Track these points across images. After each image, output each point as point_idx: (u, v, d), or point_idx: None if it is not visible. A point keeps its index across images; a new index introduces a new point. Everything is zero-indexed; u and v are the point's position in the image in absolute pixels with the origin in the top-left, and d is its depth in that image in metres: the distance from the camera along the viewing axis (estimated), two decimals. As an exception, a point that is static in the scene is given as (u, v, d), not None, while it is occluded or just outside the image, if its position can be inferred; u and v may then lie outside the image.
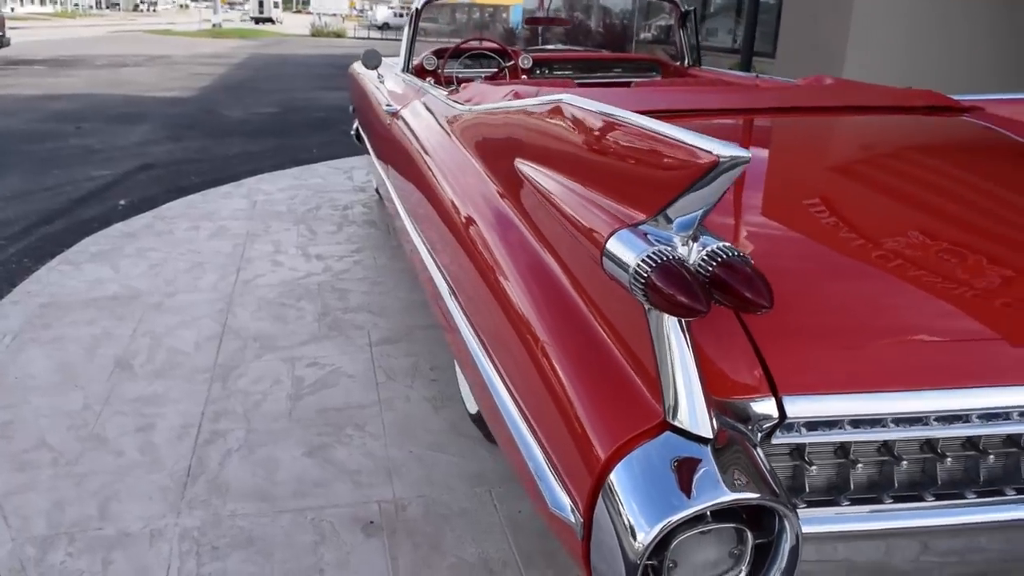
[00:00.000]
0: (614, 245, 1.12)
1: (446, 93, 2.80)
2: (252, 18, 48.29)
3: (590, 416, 1.18)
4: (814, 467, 1.31)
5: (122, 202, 5.19)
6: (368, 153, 4.60)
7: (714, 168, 1.00)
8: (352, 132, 5.49)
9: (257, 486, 2.22)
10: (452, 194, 2.11)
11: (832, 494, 1.35)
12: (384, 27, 37.87)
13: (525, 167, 1.67)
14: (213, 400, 2.67)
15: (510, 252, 1.61)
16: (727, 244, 1.09)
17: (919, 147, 2.18)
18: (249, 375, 2.85)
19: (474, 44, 4.24)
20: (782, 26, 8.46)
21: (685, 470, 1.08)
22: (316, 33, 34.99)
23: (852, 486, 1.34)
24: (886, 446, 1.34)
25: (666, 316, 1.10)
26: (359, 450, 2.40)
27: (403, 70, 3.92)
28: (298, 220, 4.83)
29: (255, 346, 3.09)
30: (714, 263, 1.06)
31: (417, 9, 3.83)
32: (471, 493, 2.21)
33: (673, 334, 1.11)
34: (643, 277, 1.04)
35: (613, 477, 1.11)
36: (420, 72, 4.01)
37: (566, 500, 1.19)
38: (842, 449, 1.33)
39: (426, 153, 2.53)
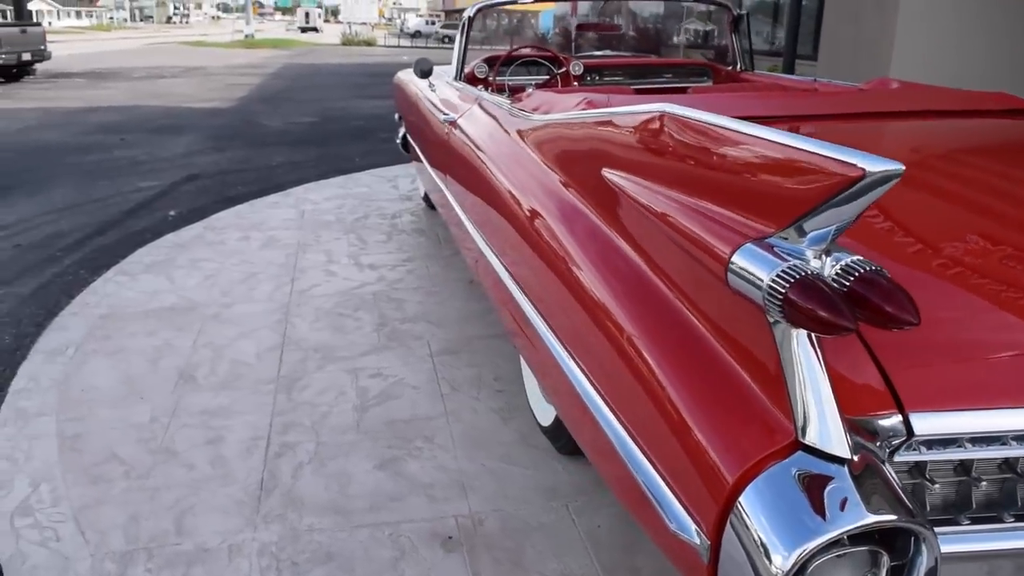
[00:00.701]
0: (741, 259, 1.07)
1: (508, 101, 2.77)
2: (300, 28, 55.69)
3: (714, 435, 1.13)
4: (937, 485, 1.26)
5: (172, 213, 5.23)
6: (417, 161, 4.59)
7: (858, 182, 0.95)
8: (398, 140, 5.49)
9: (331, 500, 2.20)
10: (530, 204, 2.08)
11: (950, 513, 1.30)
12: (416, 35, 38.11)
13: (616, 177, 1.63)
14: (279, 412, 2.66)
15: (605, 264, 1.57)
16: (861, 258, 1.05)
17: (1015, 152, 2.11)
18: (313, 386, 2.84)
19: (526, 51, 4.21)
20: (823, 27, 8.35)
21: (821, 491, 1.03)
22: (347, 42, 35.27)
23: (973, 504, 1.29)
24: (1007, 463, 1.28)
25: (795, 331, 1.06)
26: (430, 463, 2.37)
27: (455, 78, 3.90)
28: (347, 229, 4.83)
29: (316, 357, 3.07)
30: (851, 277, 1.01)
31: (470, 17, 3.81)
32: (547, 507, 2.17)
33: (803, 349, 1.06)
34: (779, 293, 0.99)
35: (744, 500, 1.06)
36: (472, 80, 3.99)
37: (689, 522, 1.14)
38: (962, 466, 1.27)
39: (494, 163, 2.50)
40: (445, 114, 3.38)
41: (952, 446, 1.20)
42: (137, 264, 4.18)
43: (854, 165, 0.95)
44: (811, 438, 1.06)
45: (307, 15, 57.75)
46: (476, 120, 3.01)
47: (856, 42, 7.44)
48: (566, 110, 2.23)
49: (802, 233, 1.05)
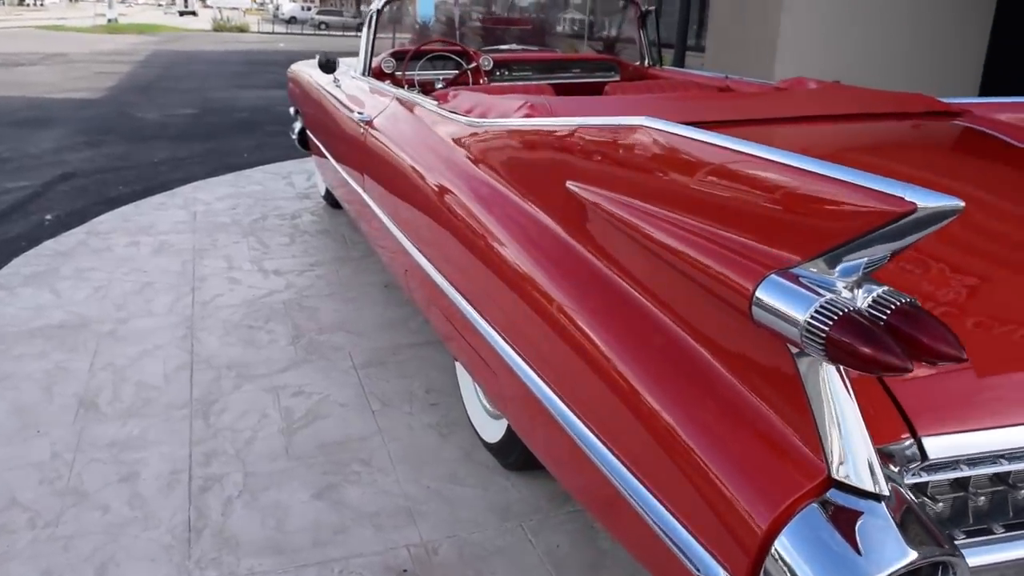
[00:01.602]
0: (767, 293, 1.01)
1: (435, 102, 2.65)
2: (179, 12, 56.46)
3: (738, 475, 1.08)
4: (940, 503, 1.25)
5: (48, 217, 4.81)
6: (320, 157, 4.38)
7: (906, 217, 0.90)
8: (294, 136, 5.24)
9: (269, 537, 2.03)
10: (474, 213, 1.97)
11: (947, 527, 1.29)
12: (291, 21, 36.94)
13: (589, 193, 1.55)
14: (198, 440, 2.45)
15: (585, 287, 1.49)
16: (891, 288, 1.00)
17: (950, 154, 2.16)
18: (232, 409, 2.64)
19: (436, 46, 4.07)
20: (710, 21, 8.53)
21: (861, 530, 0.99)
22: (218, 28, 33.75)
23: (971, 519, 1.29)
24: (998, 476, 1.29)
25: (824, 364, 1.01)
26: (371, 488, 2.24)
27: (363, 73, 3.73)
28: (246, 232, 4.57)
29: (231, 375, 2.87)
30: (887, 311, 0.97)
31: (378, 9, 3.65)
32: (502, 528, 2.09)
33: (833, 381, 1.02)
34: (820, 331, 0.93)
35: (780, 545, 1.01)
36: (379, 75, 3.83)
37: (719, 571, 1.08)
38: (958, 483, 1.27)
39: (426, 167, 2.37)
40: (359, 113, 3.22)
41: (958, 466, 1.18)
42: (15, 276, 3.81)
43: (902, 199, 0.90)
44: (844, 474, 1.02)
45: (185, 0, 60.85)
46: (397, 120, 2.87)
47: (743, 36, 7.64)
48: (506, 115, 2.14)
49: (832, 264, 1.00)
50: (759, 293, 1.02)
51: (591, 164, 1.56)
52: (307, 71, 4.86)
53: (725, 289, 1.08)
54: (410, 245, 2.46)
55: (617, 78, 4.41)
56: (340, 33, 35.31)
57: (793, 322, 0.97)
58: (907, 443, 1.13)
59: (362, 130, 3.13)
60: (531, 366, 1.61)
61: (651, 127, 1.37)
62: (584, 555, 1.99)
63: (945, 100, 2.57)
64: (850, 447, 1.01)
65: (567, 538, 2.05)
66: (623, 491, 1.26)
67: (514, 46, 4.95)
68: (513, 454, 2.24)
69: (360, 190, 3.21)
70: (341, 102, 3.70)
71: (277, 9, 42.12)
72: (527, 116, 2.07)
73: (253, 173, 6.14)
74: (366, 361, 3.00)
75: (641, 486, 1.22)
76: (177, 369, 2.91)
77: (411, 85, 3.81)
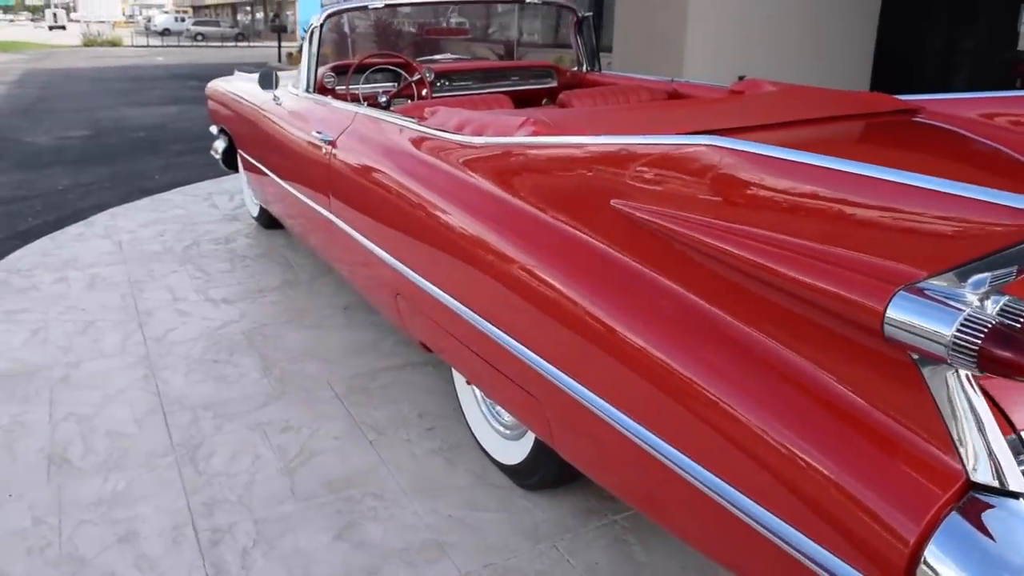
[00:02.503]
0: (900, 310, 1.03)
1: (414, 120, 2.58)
2: (49, 27, 57.44)
3: (875, 491, 1.08)
4: None
5: (-45, 257, 4.45)
6: (256, 178, 4.22)
7: None
8: (217, 155, 5.02)
9: (300, 586, 1.94)
10: (501, 238, 1.92)
11: None
12: (165, 33, 35.50)
13: (643, 212, 1.54)
14: (193, 489, 2.32)
15: (664, 311, 1.47)
16: (1014, 297, 1.04)
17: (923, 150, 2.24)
18: (220, 452, 2.50)
19: (377, 59, 3.98)
20: (616, 19, 8.67)
21: (1009, 529, 1.02)
22: (89, 43, 32.04)
23: None
24: None
25: (952, 370, 1.04)
26: (392, 523, 2.17)
27: (306, 90, 3.61)
28: (181, 260, 4.35)
29: (208, 416, 2.72)
30: (1020, 319, 1.00)
31: (320, 24, 3.53)
32: (536, 551, 2.05)
33: (965, 386, 1.04)
34: (971, 345, 0.95)
35: (931, 555, 1.02)
36: (320, 90, 3.71)
37: (867, 587, 1.08)
38: None
39: (425, 191, 2.31)
40: (318, 132, 3.11)
41: None
42: (-65, 325, 3.51)
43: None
44: (983, 476, 1.05)
45: (55, 14, 61.55)
46: (367, 139, 2.79)
47: (648, 35, 7.80)
48: (507, 132, 2.11)
49: (963, 278, 1.02)
50: (891, 311, 1.03)
51: (645, 184, 1.55)
52: (232, 87, 4.68)
53: (848, 308, 1.09)
54: (408, 271, 2.38)
55: (555, 84, 4.43)
56: (219, 44, 34.22)
57: (938, 338, 0.98)
58: (1013, 438, 1.17)
59: (325, 150, 3.03)
60: (619, 406, 1.56)
61: (723, 146, 1.37)
62: (624, 570, 1.98)
63: (901, 98, 2.69)
64: (986, 448, 1.04)
65: (603, 554, 2.04)
66: (749, 521, 1.25)
67: (448, 55, 4.91)
68: (537, 475, 2.21)
69: (324, 211, 3.10)
70: (288, 121, 3.57)
71: (148, 21, 40.35)
72: (534, 134, 2.05)
73: (171, 196, 5.86)
74: (347, 389, 2.91)
75: (770, 514, 1.22)
76: (148, 413, 2.74)
77: (355, 99, 3.72)
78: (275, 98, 3.80)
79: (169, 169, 6.92)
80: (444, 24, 4.91)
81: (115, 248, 4.57)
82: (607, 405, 1.61)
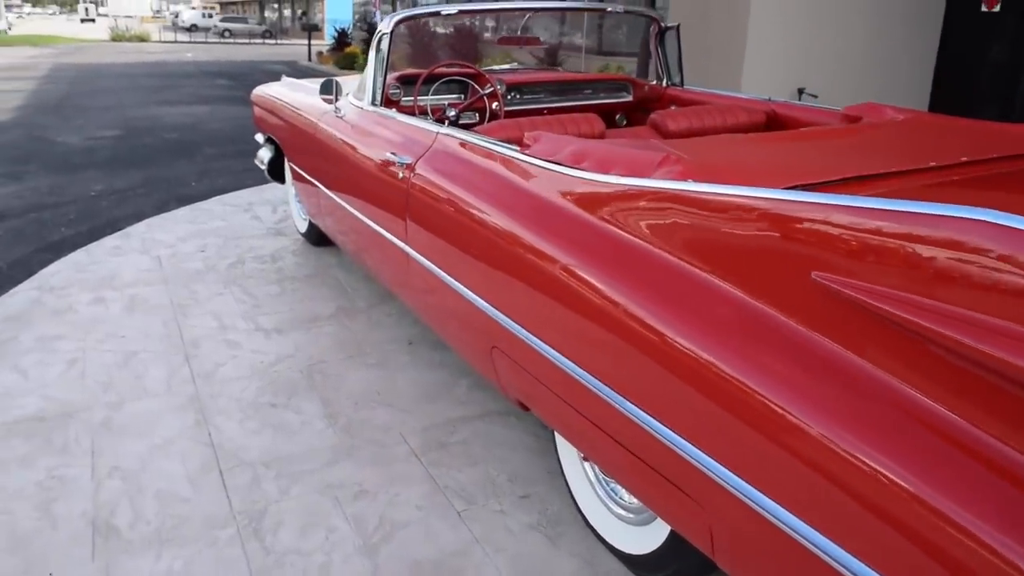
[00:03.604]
0: None
1: (517, 148, 2.25)
2: (81, 20, 61.84)
3: None
4: None
5: (-14, 271, 4.17)
6: (310, 192, 3.91)
7: None
8: (263, 165, 4.73)
9: None
10: (661, 312, 1.58)
11: None
12: (192, 28, 35.47)
13: (865, 295, 1.21)
14: (261, 572, 2.00)
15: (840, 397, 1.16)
16: None
17: None
18: (288, 523, 2.19)
19: (448, 69, 3.66)
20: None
21: None
22: (117, 38, 32.00)
23: None
24: None
25: None
26: (497, 627, 1.84)
27: (372, 103, 3.29)
28: (226, 280, 4.05)
29: (270, 475, 2.41)
30: None
31: (389, 31, 3.21)
32: (675, 674, 1.72)
33: None
34: None
35: None
36: (388, 104, 3.40)
37: None
38: None
39: (529, 234, 1.98)
40: (392, 153, 2.79)
41: None
42: (-36, 352, 3.22)
43: None
44: None
45: (87, 8, 67.63)
46: (456, 167, 2.47)
47: (705, 45, 7.47)
48: (643, 173, 1.78)
49: None
50: None
51: (878, 262, 1.21)
52: (282, 94, 4.38)
53: None
54: (513, 324, 2.05)
55: (630, 98, 4.11)
56: (246, 40, 34.13)
57: None
58: None
59: (402, 174, 2.71)
60: (826, 532, 1.23)
61: (1002, 224, 1.04)
62: None
63: None
64: None
65: None
66: None
67: (515, 65, 4.59)
68: (667, 571, 1.88)
69: (398, 241, 2.78)
70: (352, 136, 3.26)
71: (176, 17, 40.29)
72: (680, 176, 1.72)
73: (210, 206, 5.57)
74: (423, 444, 2.59)
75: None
76: (202, 470, 2.43)
77: (422, 112, 3.41)
78: (336, 109, 3.48)
79: (206, 175, 6.64)
80: (513, 34, 4.55)
81: (154, 264, 4.27)
82: (808, 528, 1.28)
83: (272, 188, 5.94)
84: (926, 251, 1.17)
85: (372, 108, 3.28)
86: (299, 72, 18.20)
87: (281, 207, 5.47)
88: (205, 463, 2.46)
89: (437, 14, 3.45)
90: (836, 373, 1.27)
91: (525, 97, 3.83)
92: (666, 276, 1.59)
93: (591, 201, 1.86)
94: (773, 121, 3.34)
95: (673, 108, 3.93)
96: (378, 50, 3.26)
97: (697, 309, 1.50)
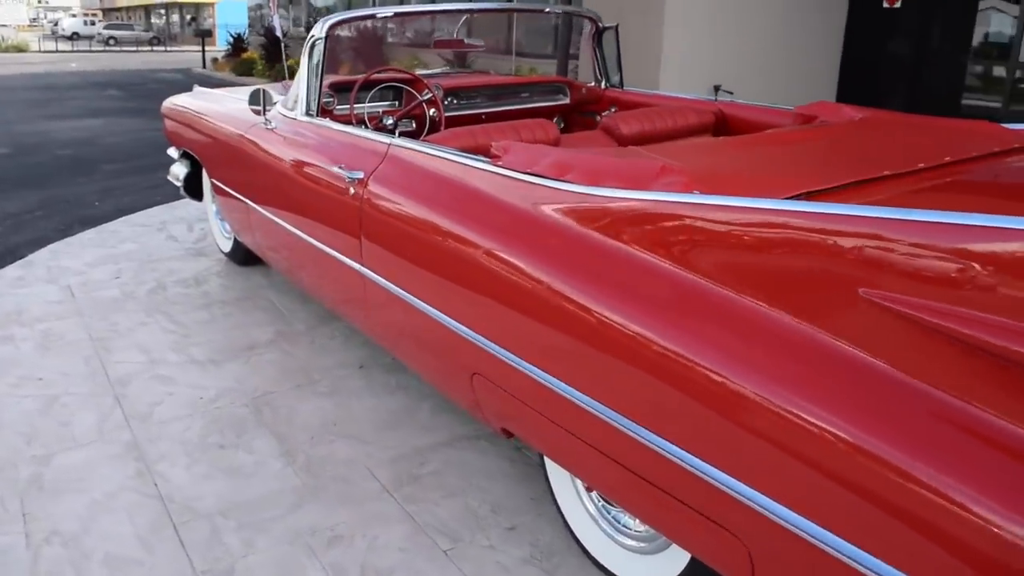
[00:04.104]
0: None
1: (486, 160, 2.11)
2: None
3: None
4: None
5: None
6: (236, 210, 3.67)
7: None
8: (178, 182, 4.43)
9: None
10: (662, 321, 1.49)
11: None
12: (74, 37, 33.80)
13: (933, 315, 1.13)
14: (238, 641, 1.80)
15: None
16: None
17: None
18: (259, 580, 1.99)
19: (386, 75, 3.48)
20: (585, 26, 8.32)
21: None
22: (-9, 48, 30.09)
23: None
24: None
25: None
26: None
27: (307, 113, 3.09)
28: (148, 308, 3.75)
29: (231, 527, 2.19)
30: None
31: (325, 35, 3.01)
32: None
33: None
34: None
35: None
36: (323, 113, 3.20)
37: None
38: None
39: (514, 254, 1.84)
40: (340, 167, 2.61)
41: None
42: None
43: None
44: None
45: None
46: (417, 182, 2.31)
47: (622, 45, 7.47)
48: (641, 186, 1.67)
49: None
50: None
51: (942, 280, 1.14)
52: (197, 106, 4.09)
53: None
54: (498, 348, 1.91)
55: (567, 101, 4.01)
56: (133, 48, 32.67)
57: None
58: None
59: (354, 190, 2.53)
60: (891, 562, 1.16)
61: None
62: None
63: (1009, 127, 2.35)
64: None
65: None
66: None
67: (446, 69, 4.43)
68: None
69: (351, 261, 2.60)
70: (286, 150, 3.05)
71: (55, 25, 38.17)
72: (685, 188, 1.62)
73: (118, 227, 5.20)
74: (394, 478, 2.42)
75: None
76: (153, 527, 2.19)
77: (360, 122, 3.22)
78: (266, 121, 3.26)
79: (109, 193, 6.22)
80: (446, 38, 4.38)
81: (65, 295, 3.93)
82: (864, 554, 1.20)
83: (185, 205, 5.60)
84: (980, 263, 1.11)
85: (307, 118, 3.08)
86: (194, 80, 17.47)
87: (198, 225, 5.16)
88: (155, 518, 2.23)
89: (373, 16, 3.27)
90: (893, 394, 1.19)
91: (461, 102, 3.68)
92: (685, 294, 1.48)
93: (587, 216, 1.74)
94: (723, 122, 3.31)
95: (613, 110, 3.87)
96: (311, 56, 3.06)
97: (720, 328, 1.40)
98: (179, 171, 4.45)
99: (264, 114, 3.23)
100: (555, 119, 4.03)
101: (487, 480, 2.40)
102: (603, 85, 3.99)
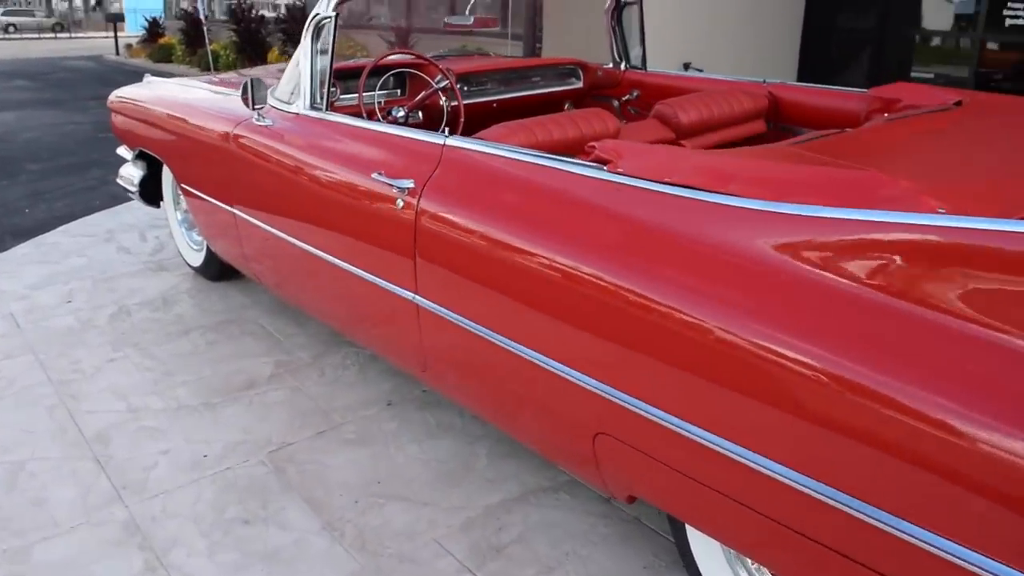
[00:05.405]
0: None
1: (600, 167, 1.68)
2: None
3: None
4: None
5: None
6: (217, 222, 3.14)
7: None
8: (132, 188, 3.85)
9: None
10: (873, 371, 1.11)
11: None
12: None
13: None
14: None
15: None
16: None
17: None
18: None
19: (396, 59, 2.99)
20: (545, 5, 7.92)
21: None
22: None
23: None
24: None
25: None
26: None
27: (313, 106, 2.59)
28: (114, 340, 3.18)
29: (286, 638, 1.73)
30: None
31: (335, 14, 2.51)
32: None
33: None
34: None
35: None
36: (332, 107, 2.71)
37: None
38: None
39: (688, 287, 1.43)
40: (378, 173, 2.14)
41: None
42: None
43: None
44: None
45: None
46: (495, 192, 1.86)
47: (589, 22, 7.11)
48: (858, 203, 1.28)
49: None
50: None
51: None
52: (159, 98, 3.51)
53: None
54: (641, 404, 1.49)
55: (580, 85, 3.61)
56: (36, 35, 30.71)
57: None
58: None
59: (402, 201, 2.06)
60: None
61: None
62: None
63: None
64: None
65: None
66: None
67: (442, 52, 3.95)
68: None
69: (400, 289, 2.13)
70: (293, 150, 2.56)
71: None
72: (925, 208, 1.23)
73: (58, 238, 4.54)
74: (472, 551, 1.98)
75: None
76: (183, 647, 1.71)
77: (369, 114, 2.75)
78: (259, 117, 2.74)
79: (39, 198, 5.52)
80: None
81: (9, 326, 3.32)
82: None
83: (132, 210, 4.97)
84: None
85: (315, 113, 2.59)
86: (109, 67, 16.34)
87: (152, 233, 4.55)
88: (184, 635, 1.74)
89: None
90: None
91: (472, 89, 3.24)
92: (936, 340, 1.10)
93: (792, 243, 1.32)
94: (776, 106, 2.95)
95: (635, 94, 3.49)
96: (317, 39, 2.56)
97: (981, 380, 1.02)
98: (133, 174, 3.86)
99: (253, 107, 2.70)
100: (566, 105, 3.63)
101: (584, 545, 1.99)
102: (622, 67, 3.58)
